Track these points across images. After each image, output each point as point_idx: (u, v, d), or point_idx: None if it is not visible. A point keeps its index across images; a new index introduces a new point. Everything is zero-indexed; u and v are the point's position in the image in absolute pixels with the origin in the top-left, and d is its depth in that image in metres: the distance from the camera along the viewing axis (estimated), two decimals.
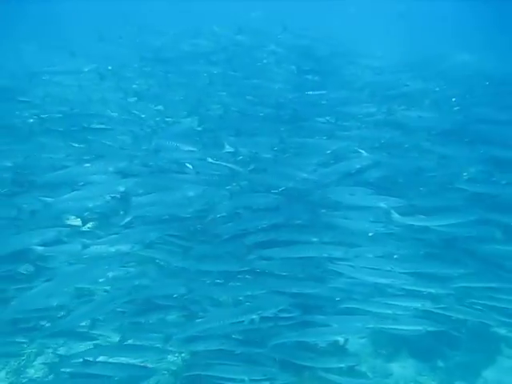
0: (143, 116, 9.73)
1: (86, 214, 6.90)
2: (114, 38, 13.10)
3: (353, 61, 13.18)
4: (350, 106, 9.95)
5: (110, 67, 11.98)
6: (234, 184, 7.40)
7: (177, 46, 13.58)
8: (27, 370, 6.38)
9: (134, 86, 11.10)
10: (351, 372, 6.06)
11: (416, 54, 14.30)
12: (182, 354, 6.41)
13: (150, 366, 6.18)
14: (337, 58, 13.19)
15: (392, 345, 6.45)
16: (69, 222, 6.96)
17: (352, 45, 14.43)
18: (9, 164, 7.37)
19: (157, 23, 15.19)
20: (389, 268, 6.47)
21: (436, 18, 27.42)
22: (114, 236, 6.47)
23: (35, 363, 6.45)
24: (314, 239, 6.63)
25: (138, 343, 6.13)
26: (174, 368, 6.27)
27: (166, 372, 6.18)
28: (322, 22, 19.13)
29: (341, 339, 6.33)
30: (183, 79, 11.37)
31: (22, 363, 6.46)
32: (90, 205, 6.80)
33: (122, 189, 6.81)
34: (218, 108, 10.19)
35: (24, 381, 6.21)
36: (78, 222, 7.02)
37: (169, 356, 6.36)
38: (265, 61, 13.10)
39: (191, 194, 6.87)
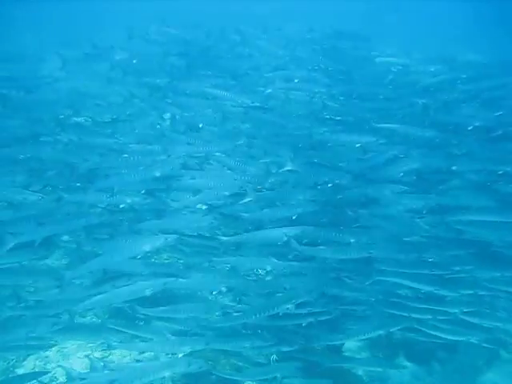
0: (167, 115, 9.71)
1: (122, 206, 6.88)
2: (142, 35, 13.23)
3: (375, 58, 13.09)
4: (378, 102, 10.00)
5: (134, 61, 11.95)
6: (268, 183, 7.39)
7: (202, 42, 13.59)
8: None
9: (158, 80, 11.16)
10: (348, 376, 6.06)
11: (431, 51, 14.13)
12: (213, 351, 6.38)
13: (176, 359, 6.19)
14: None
15: (389, 348, 6.41)
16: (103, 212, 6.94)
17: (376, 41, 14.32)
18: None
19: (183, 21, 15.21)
20: (424, 271, 6.43)
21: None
22: (147, 228, 6.56)
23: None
24: (352, 240, 6.57)
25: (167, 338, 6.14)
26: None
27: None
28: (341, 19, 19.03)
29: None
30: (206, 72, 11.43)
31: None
32: (125, 197, 6.88)
33: (156, 182, 6.94)
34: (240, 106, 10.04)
35: None
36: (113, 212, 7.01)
37: (200, 352, 6.32)
38: (287, 58, 12.97)
39: (226, 193, 6.96)
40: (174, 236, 6.15)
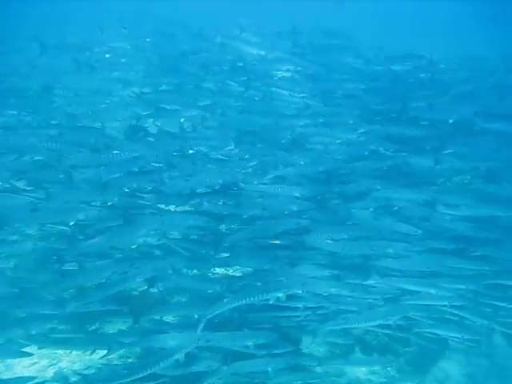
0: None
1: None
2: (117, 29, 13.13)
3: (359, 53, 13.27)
4: (358, 99, 10.16)
5: (107, 55, 11.77)
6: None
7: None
8: None
9: (133, 72, 11.19)
10: (304, 372, 5.97)
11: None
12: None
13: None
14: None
15: (345, 344, 6.36)
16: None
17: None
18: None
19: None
20: (417, 267, 6.50)
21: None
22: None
23: None
24: (344, 236, 6.56)
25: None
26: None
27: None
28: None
29: None
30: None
31: None
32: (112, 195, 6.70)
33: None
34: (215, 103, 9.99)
35: None
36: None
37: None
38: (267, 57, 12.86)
39: (219, 180, 6.94)
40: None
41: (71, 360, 6.05)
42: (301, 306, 6.01)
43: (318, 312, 6.15)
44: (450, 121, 8.84)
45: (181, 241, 6.86)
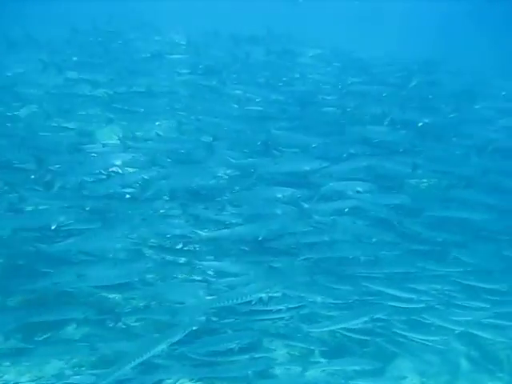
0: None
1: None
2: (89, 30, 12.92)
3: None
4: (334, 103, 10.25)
5: (74, 58, 11.56)
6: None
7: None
8: None
9: (103, 74, 11.02)
10: (264, 376, 5.92)
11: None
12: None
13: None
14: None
15: (304, 346, 6.35)
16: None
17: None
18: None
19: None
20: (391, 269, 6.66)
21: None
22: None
23: None
24: (326, 238, 6.64)
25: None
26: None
27: None
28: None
29: None
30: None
31: None
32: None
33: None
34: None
35: None
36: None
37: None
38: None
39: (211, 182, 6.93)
40: None
41: (18, 371, 5.69)
42: (283, 308, 6.05)
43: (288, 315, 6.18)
44: (420, 124, 9.17)
45: (161, 246, 6.75)
